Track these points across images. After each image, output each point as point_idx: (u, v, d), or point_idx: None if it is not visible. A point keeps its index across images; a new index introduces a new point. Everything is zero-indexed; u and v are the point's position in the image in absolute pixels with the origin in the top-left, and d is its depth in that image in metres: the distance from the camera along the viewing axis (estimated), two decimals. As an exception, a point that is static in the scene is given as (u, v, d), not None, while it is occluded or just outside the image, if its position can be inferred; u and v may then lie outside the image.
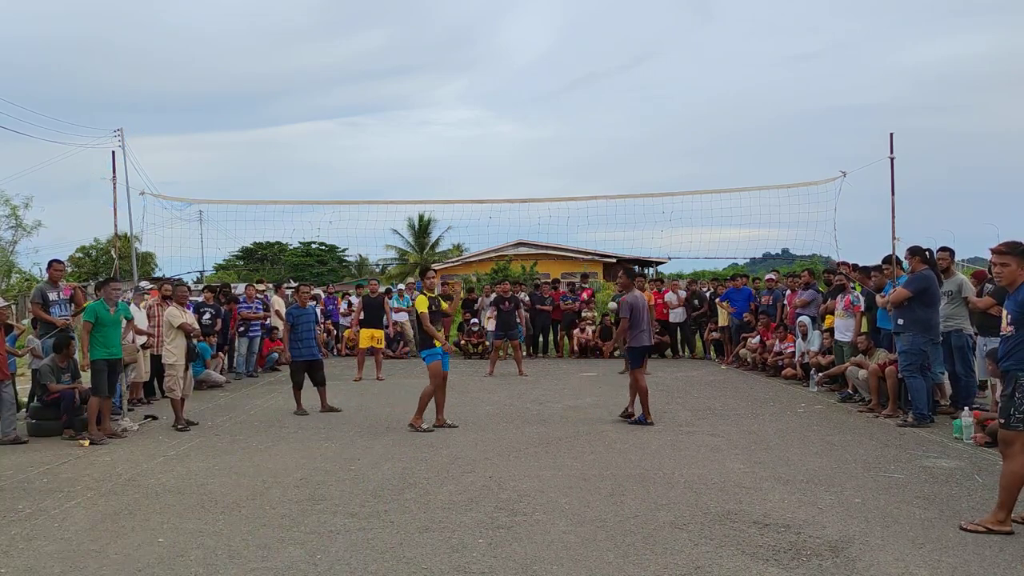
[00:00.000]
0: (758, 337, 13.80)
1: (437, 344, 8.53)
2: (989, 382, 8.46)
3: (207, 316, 12.53)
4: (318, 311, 13.26)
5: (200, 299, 13.26)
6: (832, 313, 11.12)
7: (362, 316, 13.72)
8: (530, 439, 7.81)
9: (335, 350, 17.80)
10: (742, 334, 14.48)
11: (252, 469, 6.71)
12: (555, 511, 5.28)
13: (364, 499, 5.65)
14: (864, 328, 10.12)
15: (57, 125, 49.84)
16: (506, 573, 4.18)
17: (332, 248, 49.54)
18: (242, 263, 48.81)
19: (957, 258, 10.60)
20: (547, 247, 33.04)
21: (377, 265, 48.23)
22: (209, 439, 8.15)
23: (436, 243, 45.51)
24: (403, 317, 17.16)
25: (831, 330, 11.20)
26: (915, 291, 8.17)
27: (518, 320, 14.68)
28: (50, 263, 9.95)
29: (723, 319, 15.32)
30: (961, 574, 4.06)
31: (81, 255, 44.03)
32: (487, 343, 16.40)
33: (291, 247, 48.73)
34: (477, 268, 28.54)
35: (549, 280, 19.61)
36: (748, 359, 13.89)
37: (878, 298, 9.37)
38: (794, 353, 12.37)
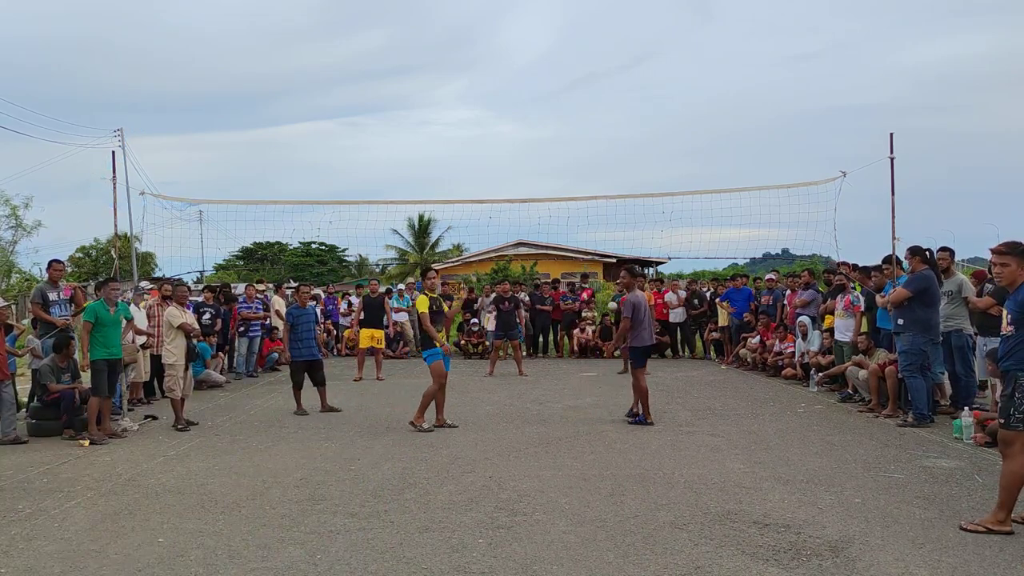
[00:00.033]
0: (758, 337, 13.80)
1: (438, 344, 8.53)
2: (989, 382, 8.46)
3: (207, 316, 12.54)
4: (318, 311, 13.27)
5: (200, 299, 13.26)
6: (832, 313, 11.12)
7: (362, 316, 13.72)
8: (530, 439, 7.81)
9: (335, 350, 17.80)
10: (742, 334, 14.49)
11: (252, 469, 6.71)
12: (555, 511, 5.28)
13: (364, 499, 5.65)
14: (864, 328, 10.12)
15: (57, 125, 49.92)
16: (506, 573, 4.18)
17: (332, 248, 49.54)
18: (242, 263, 48.81)
19: (957, 258, 10.60)
20: (547, 247, 33.06)
21: (377, 265, 48.26)
22: (209, 439, 8.15)
23: (436, 243, 45.54)
24: (403, 317, 17.16)
25: (831, 330, 11.20)
26: (915, 291, 8.17)
27: (518, 320, 14.68)
28: (50, 263, 9.95)
29: (723, 319, 15.32)
30: (961, 574, 4.06)
31: (81, 255, 44.03)
32: (487, 343, 16.40)
33: (291, 247, 48.74)
34: (477, 268, 28.55)
35: (549, 280, 19.62)
36: (748, 359, 13.89)
37: (878, 298, 9.37)
38: (794, 353, 12.37)
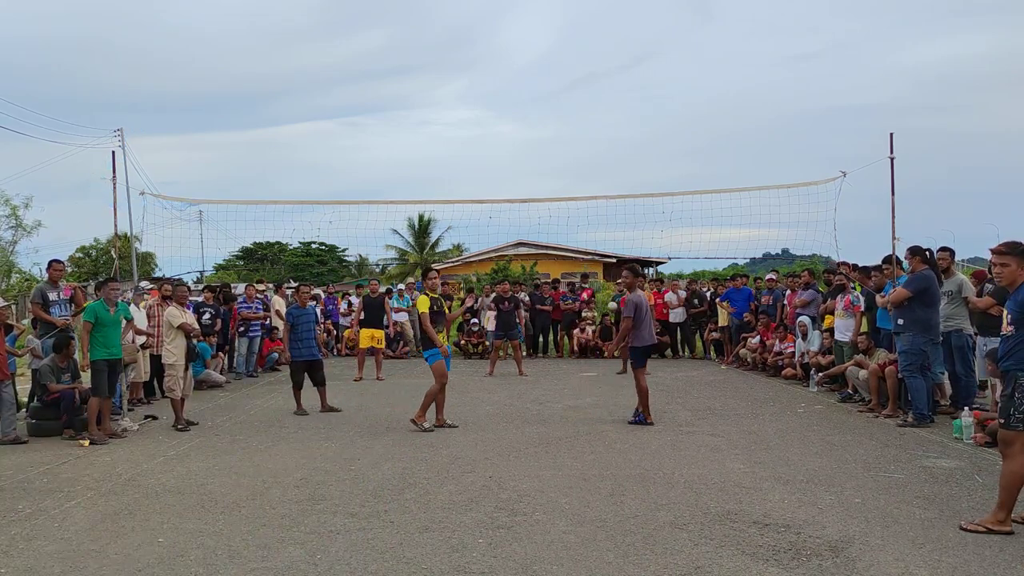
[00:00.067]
0: (758, 337, 13.80)
1: (436, 346, 8.52)
2: (989, 382, 8.46)
3: (207, 316, 12.54)
4: (318, 311, 13.27)
5: (200, 299, 13.26)
6: (832, 313, 11.12)
7: (362, 316, 13.72)
8: (530, 439, 7.81)
9: (335, 350, 17.80)
10: (742, 334, 14.49)
11: (252, 469, 6.71)
12: (555, 511, 5.28)
13: (364, 499, 5.65)
14: (864, 328, 10.12)
15: (57, 125, 49.92)
16: (506, 573, 4.18)
17: (332, 248, 49.53)
18: (242, 263, 48.80)
19: (957, 258, 10.60)
20: (547, 247, 33.06)
21: (377, 265, 48.25)
22: (209, 439, 8.14)
23: (436, 243, 45.53)
24: (403, 317, 17.17)
25: (831, 330, 11.20)
26: (915, 291, 8.17)
27: (517, 320, 14.68)
28: (50, 263, 9.95)
29: (723, 319, 15.32)
30: (961, 574, 4.06)
31: (81, 255, 44.03)
32: (487, 343, 16.40)
33: (291, 247, 48.73)
34: (477, 268, 28.55)
35: (549, 280, 19.62)
36: (748, 359, 13.89)
37: (878, 298, 9.37)
38: (794, 353, 12.37)
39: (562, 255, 34.74)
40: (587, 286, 18.43)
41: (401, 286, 18.72)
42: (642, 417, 8.58)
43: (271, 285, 19.69)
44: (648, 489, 5.81)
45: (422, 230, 44.60)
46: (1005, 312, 4.89)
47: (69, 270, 32.37)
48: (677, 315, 16.41)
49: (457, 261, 37.73)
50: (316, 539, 4.77)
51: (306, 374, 10.01)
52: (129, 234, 13.25)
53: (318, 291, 18.93)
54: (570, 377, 13.31)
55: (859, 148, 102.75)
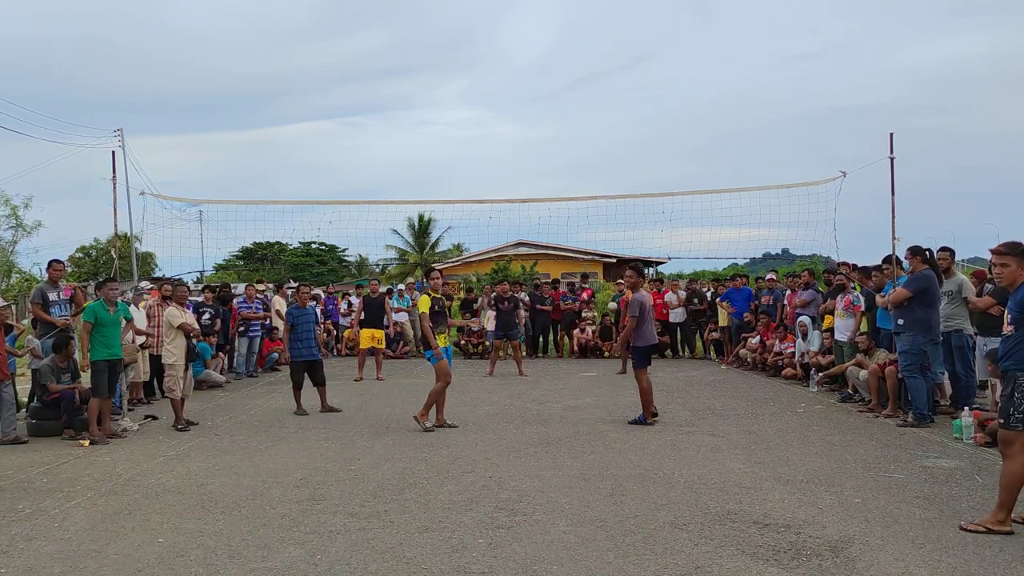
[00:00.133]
0: (758, 337, 13.80)
1: (442, 343, 8.51)
2: (989, 382, 8.46)
3: (206, 316, 12.53)
4: (318, 311, 13.27)
5: (200, 299, 13.26)
6: (832, 313, 11.12)
7: (362, 316, 13.72)
8: (530, 439, 7.81)
9: (335, 350, 17.80)
10: (742, 334, 14.48)
11: (252, 469, 6.71)
12: (555, 511, 5.28)
13: (364, 499, 5.65)
14: (864, 328, 10.12)
15: (57, 125, 50.15)
16: (506, 573, 4.17)
17: (332, 248, 49.54)
18: (242, 263, 48.82)
19: (957, 258, 10.60)
20: (547, 247, 33.09)
21: (377, 265, 48.26)
22: (209, 439, 8.14)
23: (436, 243, 45.56)
24: (403, 317, 17.17)
25: (831, 330, 11.20)
26: (915, 291, 8.17)
27: (517, 321, 14.68)
28: (50, 263, 9.96)
29: (723, 319, 15.31)
30: (961, 574, 4.06)
31: (81, 255, 44.04)
32: (487, 343, 16.40)
33: (291, 247, 48.76)
34: (477, 268, 28.58)
35: (549, 280, 19.62)
36: (748, 359, 13.89)
37: (878, 298, 9.37)
38: (794, 353, 12.37)
39: (562, 255, 34.77)
40: (587, 286, 18.43)
41: (401, 286, 18.72)
42: (642, 417, 8.57)
43: (271, 285, 19.70)
44: (648, 489, 5.81)
45: (422, 230, 44.62)
46: (1006, 312, 4.89)
47: (69, 270, 32.37)
48: (677, 315, 16.40)
49: (457, 261, 37.76)
50: (316, 539, 4.77)
51: (306, 374, 10.01)
52: (129, 234, 13.28)
53: (318, 291, 18.93)
54: (570, 377, 13.31)
55: (859, 148, 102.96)
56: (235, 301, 14.06)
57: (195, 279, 34.80)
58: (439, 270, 9.28)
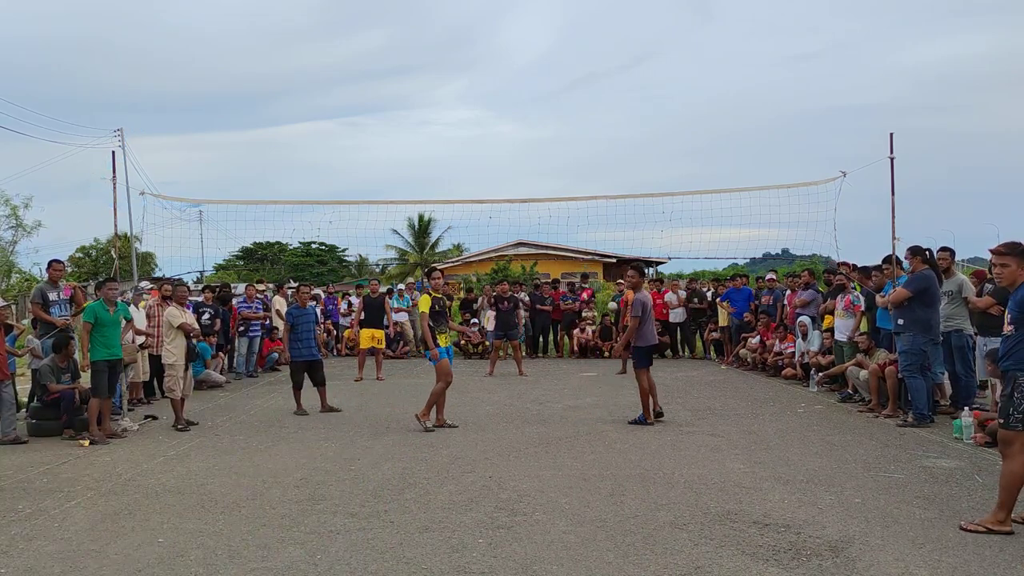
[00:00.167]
0: (758, 337, 13.80)
1: (443, 343, 8.51)
2: (989, 382, 8.46)
3: (206, 316, 12.53)
4: (318, 311, 13.27)
5: (200, 299, 13.26)
6: (832, 313, 11.12)
7: (362, 316, 13.72)
8: (530, 439, 7.81)
9: (335, 350, 17.80)
10: (742, 334, 14.48)
11: (252, 469, 6.71)
12: (555, 511, 5.28)
13: (364, 499, 5.65)
14: (864, 328, 10.12)
15: (57, 125, 50.21)
16: (506, 573, 4.17)
17: (332, 248, 49.55)
18: (242, 263, 48.82)
19: (957, 258, 10.60)
20: (547, 247, 33.09)
21: (377, 265, 48.28)
22: (209, 439, 8.14)
23: (436, 243, 45.57)
24: (403, 317, 17.17)
25: (831, 330, 11.20)
26: (915, 291, 8.17)
27: (517, 321, 14.68)
28: (50, 263, 9.96)
29: (723, 319, 15.31)
30: (961, 574, 4.06)
31: (81, 255, 44.05)
32: (487, 343, 16.40)
33: (291, 247, 48.76)
34: (477, 268, 28.58)
35: (549, 280, 19.62)
36: (748, 359, 13.89)
37: (878, 298, 9.37)
38: (794, 353, 12.37)
39: (562, 255, 34.77)
40: (587, 286, 18.43)
41: (401, 286, 18.72)
42: (642, 417, 8.57)
43: (271, 285, 19.70)
44: (648, 489, 5.81)
45: (422, 230, 44.64)
46: (1006, 312, 4.89)
47: (69, 270, 32.37)
48: (677, 315, 16.40)
49: (457, 261, 37.76)
50: (316, 539, 4.77)
51: (306, 374, 10.01)
52: (129, 234, 13.29)
53: (318, 291, 18.94)
54: (570, 377, 13.31)
55: (859, 148, 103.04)
56: (235, 301, 14.07)
57: (195, 279, 34.81)
58: (440, 270, 9.27)
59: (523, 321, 15.89)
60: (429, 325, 8.44)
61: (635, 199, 15.39)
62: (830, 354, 11.20)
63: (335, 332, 18.04)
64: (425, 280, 9.06)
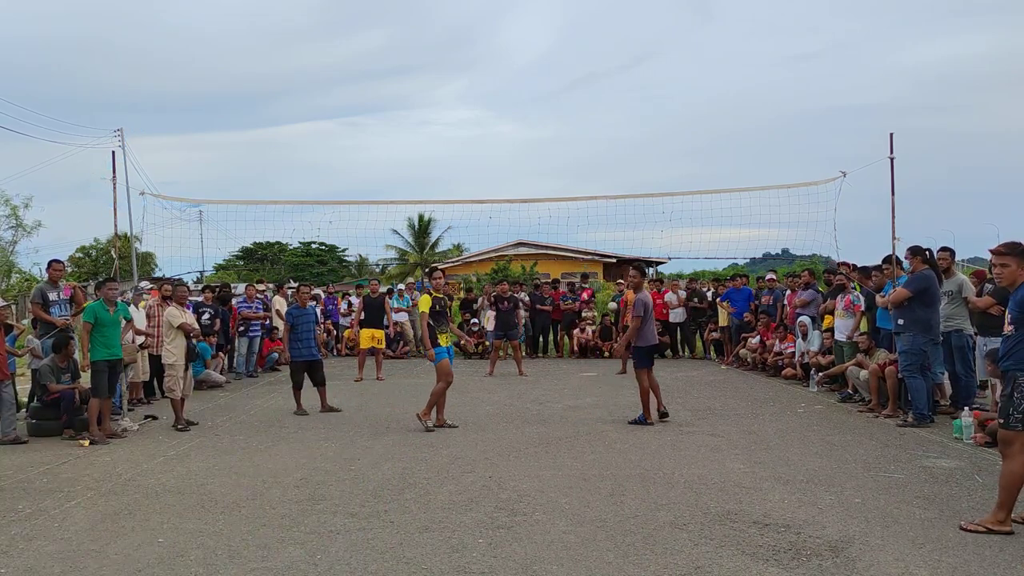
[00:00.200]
0: (758, 337, 13.80)
1: (443, 343, 8.51)
2: (989, 382, 8.46)
3: (206, 316, 12.53)
4: (318, 311, 13.27)
5: (200, 299, 13.26)
6: (832, 313, 11.12)
7: (362, 316, 13.72)
8: (530, 439, 7.81)
9: (335, 350, 17.80)
10: (742, 334, 14.48)
11: (252, 469, 6.71)
12: (555, 511, 5.28)
13: (364, 499, 5.65)
14: (864, 328, 10.12)
15: (57, 125, 50.13)
16: (506, 573, 4.17)
17: (332, 248, 49.56)
18: (242, 263, 48.83)
19: (957, 258, 10.60)
20: (547, 247, 33.09)
21: (377, 265, 48.29)
22: (209, 439, 8.14)
23: (436, 243, 45.57)
24: (403, 317, 17.17)
25: (831, 330, 11.20)
26: (915, 291, 8.17)
27: (516, 321, 14.68)
28: (50, 263, 9.96)
29: (723, 319, 15.32)
30: (961, 574, 4.06)
31: (81, 255, 44.06)
32: (487, 343, 16.40)
33: (291, 247, 48.78)
34: (477, 268, 28.59)
35: (549, 280, 19.62)
36: (748, 359, 13.89)
37: (878, 298, 9.37)
38: (794, 353, 12.37)
39: (562, 255, 34.76)
40: (587, 286, 18.42)
41: (401, 286, 18.71)
42: (642, 417, 8.57)
43: (271, 285, 19.70)
44: (648, 489, 5.81)
45: (422, 230, 44.64)
46: (1006, 312, 4.89)
47: (69, 270, 32.38)
48: (677, 315, 16.40)
49: (457, 261, 37.77)
50: (316, 539, 4.77)
51: (306, 374, 10.01)
52: (129, 234, 13.27)
53: (318, 291, 18.94)
54: (570, 377, 13.31)
55: (859, 148, 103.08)
56: (235, 301, 14.07)
57: (195, 279, 34.82)
58: (442, 270, 9.27)
59: (523, 321, 15.88)
60: (429, 324, 8.44)
61: (635, 199, 15.40)
62: (830, 354, 11.20)
63: (335, 332, 18.04)
64: (426, 280, 9.05)
